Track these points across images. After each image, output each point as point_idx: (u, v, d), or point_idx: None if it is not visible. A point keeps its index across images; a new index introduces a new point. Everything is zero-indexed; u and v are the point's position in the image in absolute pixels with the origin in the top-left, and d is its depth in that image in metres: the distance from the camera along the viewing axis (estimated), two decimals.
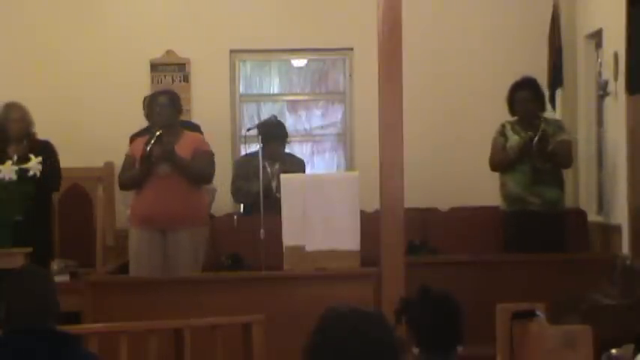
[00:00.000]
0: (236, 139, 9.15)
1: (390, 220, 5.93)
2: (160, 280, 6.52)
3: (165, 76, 9.08)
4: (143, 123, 7.78)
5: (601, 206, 8.27)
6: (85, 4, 9.04)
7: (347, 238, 6.40)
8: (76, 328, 5.16)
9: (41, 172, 6.75)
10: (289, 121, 9.49)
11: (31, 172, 6.72)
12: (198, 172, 6.85)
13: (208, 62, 9.10)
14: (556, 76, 8.54)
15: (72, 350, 3.55)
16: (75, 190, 8.32)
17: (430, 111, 8.89)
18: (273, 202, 7.13)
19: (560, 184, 7.58)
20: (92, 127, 8.79)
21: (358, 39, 8.80)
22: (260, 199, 7.11)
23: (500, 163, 7.60)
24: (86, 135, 8.74)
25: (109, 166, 8.42)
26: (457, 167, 8.93)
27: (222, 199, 8.36)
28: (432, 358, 3.56)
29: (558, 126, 7.70)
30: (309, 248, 6.42)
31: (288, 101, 9.60)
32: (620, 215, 7.58)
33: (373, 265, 6.26)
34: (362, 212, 6.57)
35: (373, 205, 6.63)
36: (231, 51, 9.20)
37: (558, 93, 8.60)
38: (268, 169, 7.77)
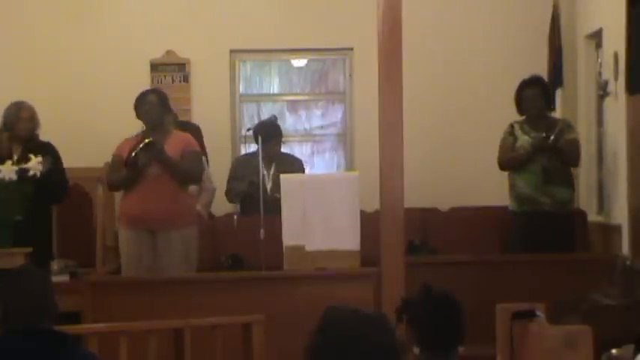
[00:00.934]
0: (236, 139, 9.15)
1: (390, 220, 5.93)
2: (160, 281, 6.51)
3: (165, 76, 9.08)
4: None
5: (601, 206, 8.27)
6: (85, 4, 9.04)
7: (347, 238, 6.40)
8: (76, 328, 5.16)
9: (44, 174, 6.74)
10: (289, 121, 9.50)
11: (31, 172, 6.72)
12: (186, 171, 6.85)
13: (208, 62, 9.10)
14: (556, 76, 8.53)
15: (71, 350, 3.55)
16: (75, 190, 8.30)
17: (430, 111, 8.89)
18: (268, 203, 7.12)
19: (570, 183, 7.55)
20: (92, 127, 8.79)
21: (358, 39, 8.80)
22: (251, 200, 7.12)
23: (511, 162, 7.55)
24: (86, 135, 8.74)
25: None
26: (457, 167, 8.93)
27: (222, 199, 8.36)
28: (433, 357, 3.56)
29: (567, 125, 7.67)
30: (309, 248, 6.42)
31: (288, 101, 9.60)
32: (620, 215, 7.58)
33: (373, 265, 6.26)
34: (362, 212, 6.57)
35: (373, 205, 6.63)
36: (231, 51, 9.20)
37: (558, 93, 8.59)
38: (264, 170, 7.78)
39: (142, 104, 6.91)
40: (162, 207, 6.73)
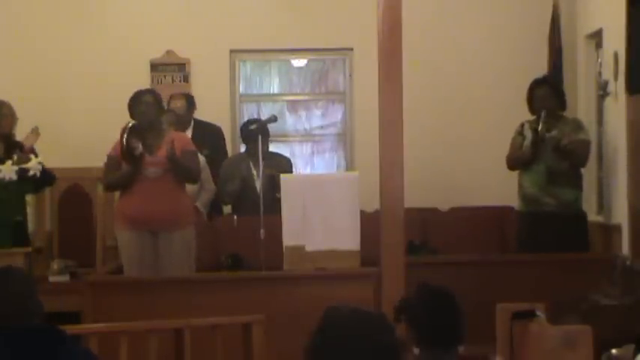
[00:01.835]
0: (236, 139, 9.15)
1: (390, 220, 5.93)
2: (160, 280, 6.51)
3: (165, 76, 9.09)
4: None
5: (601, 206, 8.27)
6: (85, 4, 9.04)
7: (347, 238, 6.40)
8: (76, 328, 5.16)
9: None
10: (289, 121, 9.51)
11: (31, 172, 6.72)
12: (188, 170, 6.84)
13: (208, 62, 9.10)
14: (556, 76, 8.53)
15: (68, 347, 3.53)
16: (75, 190, 8.32)
17: (430, 111, 8.89)
18: (257, 202, 7.10)
19: (576, 184, 7.51)
20: (92, 127, 8.79)
21: (358, 39, 8.81)
22: (242, 200, 7.12)
23: (516, 161, 7.53)
24: (86, 135, 8.74)
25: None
26: (457, 167, 8.93)
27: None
28: (433, 357, 3.56)
29: (577, 125, 7.62)
30: (309, 248, 6.42)
31: (288, 101, 9.60)
32: (620, 215, 7.57)
33: (373, 265, 6.25)
34: (362, 212, 6.57)
35: (373, 205, 6.63)
36: (231, 51, 9.20)
37: None
38: (253, 170, 7.78)
39: (137, 104, 6.89)
40: (163, 208, 6.73)
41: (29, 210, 7.38)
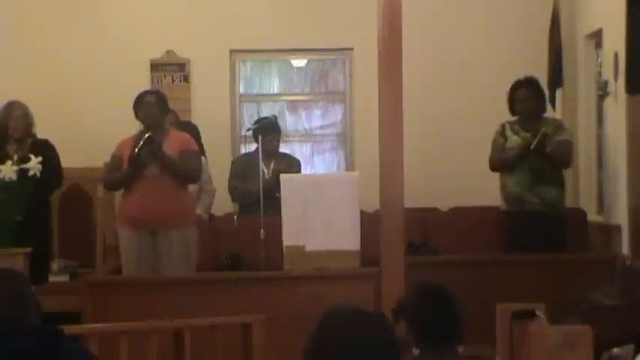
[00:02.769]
0: (236, 139, 9.15)
1: (390, 220, 5.92)
2: (160, 281, 6.52)
3: (165, 76, 9.09)
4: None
5: (601, 206, 8.27)
6: (85, 4, 9.04)
7: (347, 238, 6.40)
8: (76, 328, 5.17)
9: (41, 171, 6.75)
10: (289, 121, 9.51)
11: (31, 172, 6.72)
12: (185, 170, 6.85)
13: (208, 62, 9.10)
14: (556, 76, 8.53)
15: (66, 347, 3.53)
16: (75, 190, 8.31)
17: (430, 111, 8.89)
18: (271, 202, 7.12)
19: (560, 183, 7.57)
20: (92, 127, 8.79)
21: (358, 39, 8.80)
22: (258, 199, 7.11)
23: (500, 163, 7.59)
24: (86, 135, 8.74)
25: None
26: (457, 167, 8.93)
27: (222, 199, 8.36)
28: (432, 358, 3.56)
29: (558, 125, 7.68)
30: (309, 248, 6.43)
31: (288, 101, 9.60)
32: (620, 215, 7.58)
33: (373, 265, 6.25)
34: (362, 212, 6.57)
35: (373, 205, 6.63)
36: (231, 51, 9.20)
37: (558, 93, 8.59)
38: (265, 169, 7.77)
39: (141, 105, 6.91)
40: (162, 207, 6.73)
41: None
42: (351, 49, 9.17)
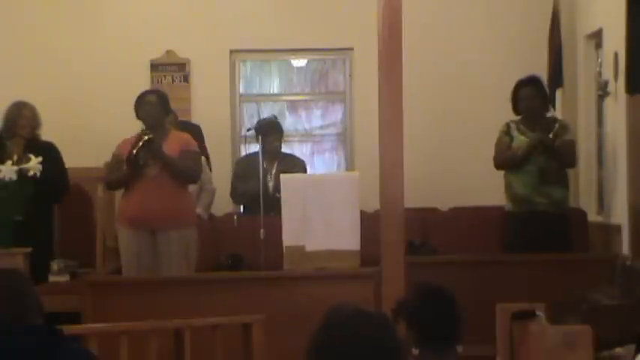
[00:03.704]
0: (236, 139, 9.15)
1: (390, 220, 5.92)
2: (160, 280, 6.52)
3: (165, 76, 9.09)
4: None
5: (601, 206, 8.27)
6: (85, 4, 9.05)
7: (347, 238, 6.40)
8: (76, 328, 5.17)
9: (43, 173, 6.75)
10: (289, 121, 9.51)
11: (31, 172, 6.72)
12: (184, 170, 6.84)
13: (208, 62, 9.10)
14: (556, 76, 8.53)
15: (65, 347, 3.52)
16: (75, 190, 8.30)
17: (430, 111, 8.89)
18: (271, 202, 7.13)
19: (565, 183, 7.54)
20: (92, 127, 8.79)
21: (358, 39, 8.81)
22: (258, 200, 7.11)
23: (507, 162, 7.53)
24: (86, 135, 8.74)
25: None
26: (457, 167, 8.94)
27: (222, 199, 8.36)
28: (432, 358, 3.56)
29: (563, 126, 7.66)
30: (309, 248, 6.43)
31: (288, 101, 9.60)
32: (620, 215, 7.58)
33: (373, 265, 6.25)
34: (362, 212, 6.57)
35: (373, 205, 6.63)
36: (231, 51, 9.20)
37: (558, 93, 8.59)
38: (268, 171, 7.77)
39: (142, 104, 6.91)
40: (162, 207, 6.73)
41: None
42: (351, 49, 9.17)
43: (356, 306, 2.42)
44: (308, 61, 9.55)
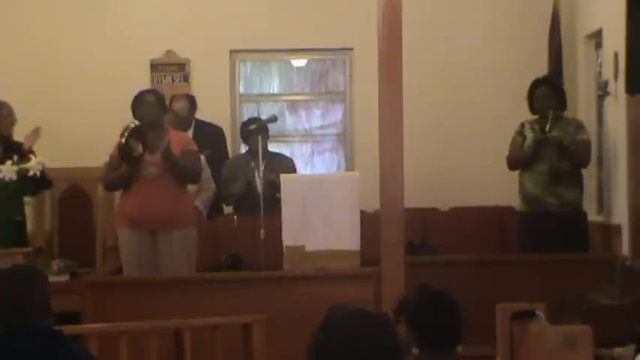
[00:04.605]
0: (236, 139, 9.15)
1: (390, 220, 5.92)
2: (160, 281, 6.51)
3: (165, 76, 9.09)
4: None
5: (601, 206, 8.27)
6: (85, 4, 9.04)
7: (347, 238, 6.40)
8: (76, 328, 5.17)
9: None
10: (289, 121, 9.51)
11: (31, 172, 6.72)
12: (188, 169, 6.84)
13: (208, 62, 9.10)
14: (556, 76, 8.52)
15: (66, 349, 3.52)
16: (75, 190, 8.32)
17: (430, 111, 8.89)
18: (258, 202, 7.09)
19: (578, 184, 7.50)
20: (92, 126, 8.79)
21: (358, 39, 8.81)
22: (244, 200, 7.10)
23: (518, 161, 7.51)
24: (86, 135, 8.74)
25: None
26: (457, 167, 8.94)
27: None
28: (432, 358, 3.56)
29: (578, 125, 7.62)
30: (309, 248, 6.42)
31: (288, 101, 9.60)
32: (620, 215, 7.58)
33: (373, 265, 6.25)
34: (362, 212, 6.57)
35: (373, 205, 6.63)
36: (231, 51, 9.20)
37: None
38: (255, 171, 7.77)
39: (139, 104, 6.89)
40: (162, 207, 6.72)
41: (28, 210, 7.36)
42: (351, 49, 9.17)
43: (356, 306, 2.42)
44: (308, 61, 9.55)
